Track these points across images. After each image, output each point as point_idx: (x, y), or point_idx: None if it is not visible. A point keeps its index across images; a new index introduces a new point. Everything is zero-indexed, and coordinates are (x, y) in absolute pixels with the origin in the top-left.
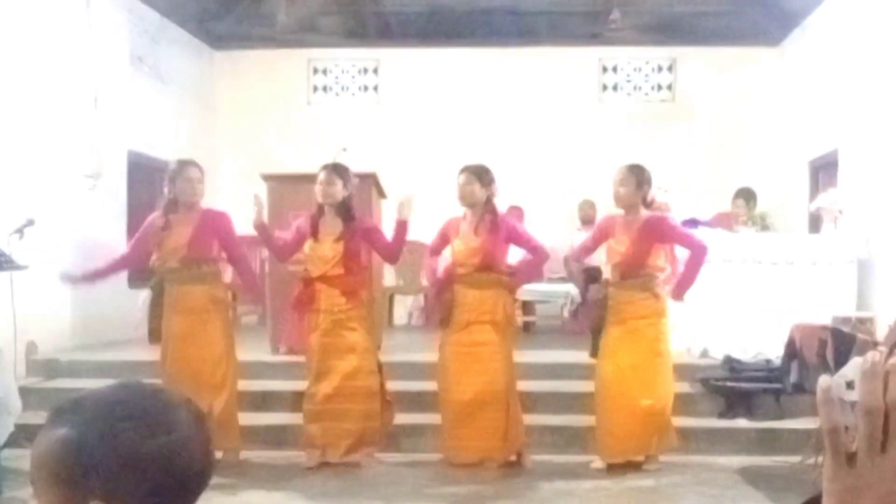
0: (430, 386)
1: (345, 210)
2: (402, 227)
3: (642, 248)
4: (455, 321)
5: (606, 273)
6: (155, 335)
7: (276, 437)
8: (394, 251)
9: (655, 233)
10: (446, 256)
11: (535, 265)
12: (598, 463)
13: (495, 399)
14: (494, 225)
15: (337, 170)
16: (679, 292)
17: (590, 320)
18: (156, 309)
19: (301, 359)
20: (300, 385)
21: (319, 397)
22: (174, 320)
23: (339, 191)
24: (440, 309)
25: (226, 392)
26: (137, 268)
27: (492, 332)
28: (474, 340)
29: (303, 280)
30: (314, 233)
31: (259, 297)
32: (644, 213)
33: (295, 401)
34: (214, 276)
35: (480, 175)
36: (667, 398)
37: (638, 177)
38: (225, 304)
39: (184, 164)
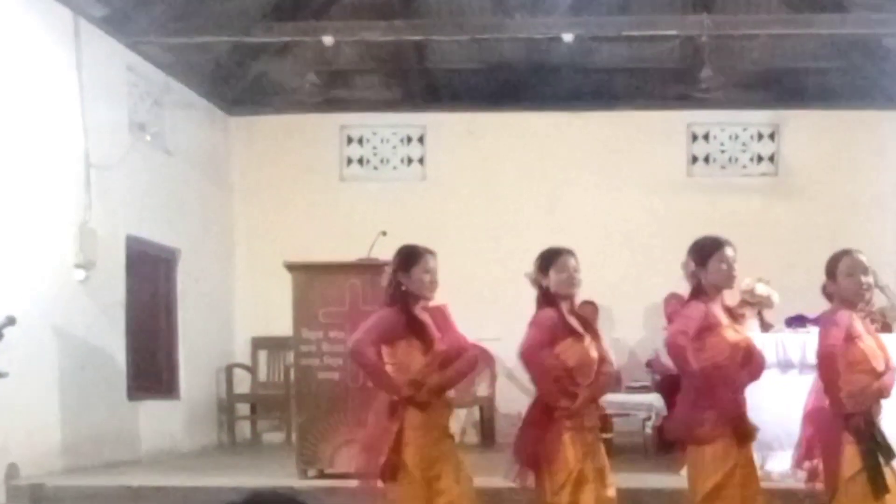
0: None
1: None
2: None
3: None
4: None
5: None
6: (395, 471)
7: None
8: None
9: None
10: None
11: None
12: None
13: None
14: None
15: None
16: None
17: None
18: (399, 440)
19: (334, 483)
20: None
21: None
22: (419, 449)
23: None
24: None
25: None
26: None
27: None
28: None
29: (570, 394)
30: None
31: None
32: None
33: None
34: None
35: None
36: None
37: None
38: None
39: (420, 252)
